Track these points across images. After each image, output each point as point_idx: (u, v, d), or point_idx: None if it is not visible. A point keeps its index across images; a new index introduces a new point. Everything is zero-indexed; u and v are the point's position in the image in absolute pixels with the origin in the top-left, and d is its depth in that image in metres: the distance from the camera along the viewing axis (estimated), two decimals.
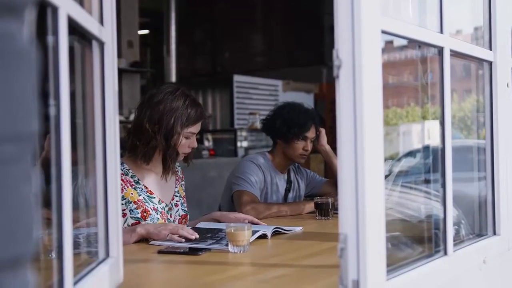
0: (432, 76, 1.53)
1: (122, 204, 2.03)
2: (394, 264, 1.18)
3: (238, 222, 2.09)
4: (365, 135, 1.02)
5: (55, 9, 0.86)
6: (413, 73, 1.72)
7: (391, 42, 1.30)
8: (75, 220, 1.00)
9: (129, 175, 2.10)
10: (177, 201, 2.23)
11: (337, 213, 1.59)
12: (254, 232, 1.85)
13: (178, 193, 2.26)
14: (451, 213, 1.36)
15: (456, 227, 1.54)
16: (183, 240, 1.83)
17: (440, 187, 1.38)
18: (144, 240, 1.90)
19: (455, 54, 1.42)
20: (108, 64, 1.21)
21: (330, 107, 7.50)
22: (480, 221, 1.70)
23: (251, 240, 1.77)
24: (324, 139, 2.86)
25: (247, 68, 8.54)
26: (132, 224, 2.03)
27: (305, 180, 2.95)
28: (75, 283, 0.95)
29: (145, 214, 2.06)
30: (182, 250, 1.73)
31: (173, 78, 7.61)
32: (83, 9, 1.04)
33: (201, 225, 2.16)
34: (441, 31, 1.36)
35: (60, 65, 0.87)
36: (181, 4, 7.92)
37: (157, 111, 2.07)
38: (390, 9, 1.32)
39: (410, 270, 1.22)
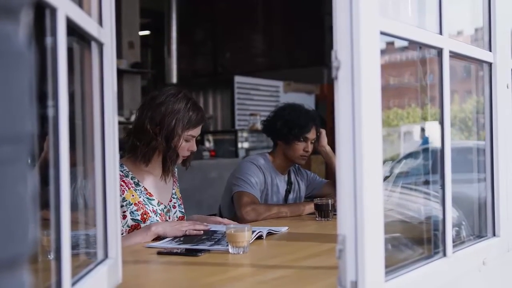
0: (433, 77, 1.53)
1: (123, 205, 2.03)
2: (394, 265, 1.18)
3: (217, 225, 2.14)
4: (364, 136, 1.02)
5: (53, 10, 0.86)
6: (414, 74, 1.71)
7: (392, 43, 1.30)
8: (74, 221, 1.00)
9: (129, 177, 2.11)
10: (174, 202, 2.24)
11: (336, 214, 1.59)
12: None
13: (175, 194, 2.27)
14: (450, 214, 1.36)
15: (457, 228, 1.54)
16: (202, 232, 1.95)
17: (440, 188, 1.38)
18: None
19: (454, 55, 1.42)
20: (107, 65, 1.21)
21: (331, 108, 7.49)
22: (479, 223, 1.70)
23: (250, 241, 1.77)
24: (324, 140, 2.86)
25: (248, 69, 8.54)
26: (132, 226, 2.04)
27: (305, 181, 2.95)
28: (73, 284, 0.95)
29: (145, 216, 2.07)
30: (180, 251, 1.73)
31: (174, 79, 7.59)
32: (82, 10, 1.04)
33: None
34: (441, 32, 1.36)
35: (59, 66, 0.87)
36: (181, 4, 7.92)
37: (159, 112, 2.08)
38: (389, 10, 1.31)
39: (409, 272, 1.22)
